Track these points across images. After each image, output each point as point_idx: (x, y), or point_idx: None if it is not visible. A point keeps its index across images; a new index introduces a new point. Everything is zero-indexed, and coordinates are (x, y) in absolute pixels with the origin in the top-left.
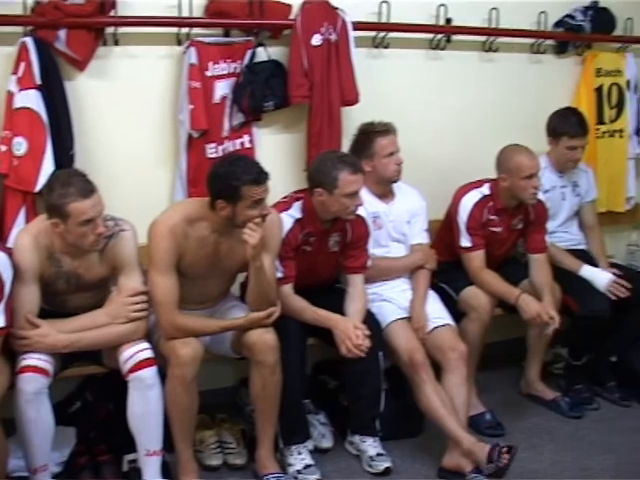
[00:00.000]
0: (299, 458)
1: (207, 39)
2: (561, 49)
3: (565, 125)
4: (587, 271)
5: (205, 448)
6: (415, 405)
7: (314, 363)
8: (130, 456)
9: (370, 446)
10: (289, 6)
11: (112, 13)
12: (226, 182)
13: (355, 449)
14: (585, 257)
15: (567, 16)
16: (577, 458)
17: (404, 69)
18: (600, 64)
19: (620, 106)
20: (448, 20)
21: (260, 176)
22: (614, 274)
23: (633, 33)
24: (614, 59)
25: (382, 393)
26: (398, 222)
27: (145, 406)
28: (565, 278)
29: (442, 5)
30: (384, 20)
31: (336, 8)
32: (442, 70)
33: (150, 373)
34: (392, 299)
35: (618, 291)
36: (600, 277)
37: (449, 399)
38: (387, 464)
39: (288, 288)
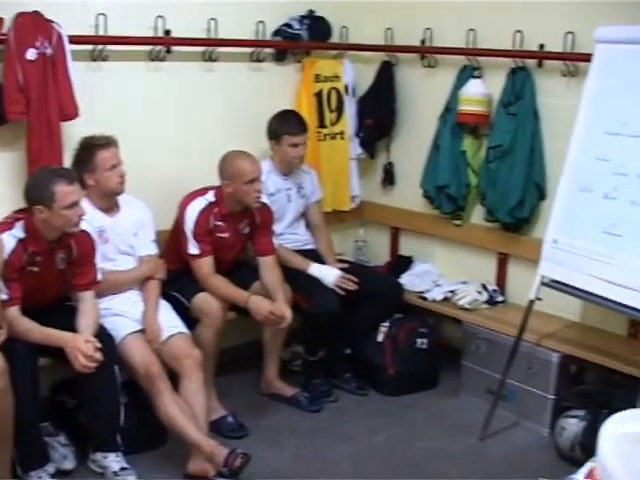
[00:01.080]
0: None
1: None
2: (280, 57)
3: (285, 125)
4: (315, 269)
5: None
6: (156, 416)
7: (52, 384)
8: None
9: (113, 461)
10: (0, 19)
11: None
12: None
13: (98, 466)
14: (314, 256)
15: (285, 25)
16: (318, 450)
17: (125, 82)
18: (319, 70)
19: (340, 110)
20: (167, 31)
21: None
22: (342, 270)
23: (348, 40)
24: (332, 65)
25: (121, 407)
26: (125, 235)
27: None
28: (294, 277)
29: (160, 16)
30: (101, 33)
31: (51, 21)
32: (163, 81)
33: None
34: (124, 312)
35: (346, 285)
36: (328, 274)
37: (188, 406)
38: (132, 477)
39: (14, 310)
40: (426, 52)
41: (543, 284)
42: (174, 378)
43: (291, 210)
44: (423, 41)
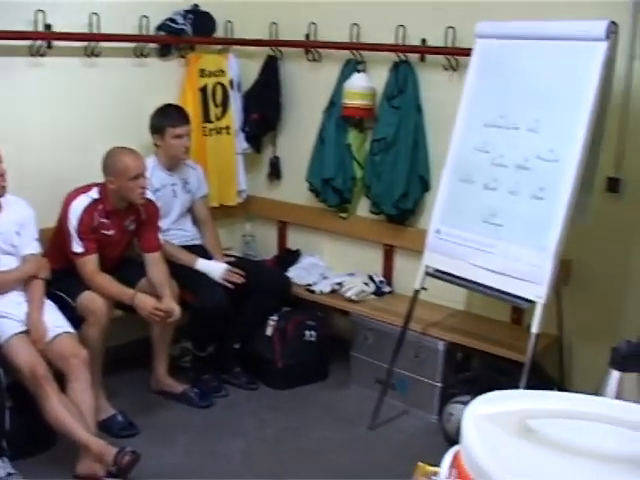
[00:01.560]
0: None
1: None
2: (164, 52)
3: (166, 118)
4: (202, 264)
5: None
6: (43, 419)
7: None
8: None
9: None
10: None
11: None
12: None
13: None
14: (200, 251)
15: (169, 20)
16: (210, 445)
17: (4, 77)
18: (203, 65)
19: (225, 104)
20: (48, 26)
21: None
22: (229, 264)
23: (234, 35)
24: (217, 60)
25: (6, 411)
26: (7, 234)
27: None
28: (181, 273)
29: (40, 10)
30: None
31: None
32: (44, 77)
33: None
34: (8, 313)
35: (233, 279)
36: (215, 268)
37: (75, 407)
38: None
39: None
40: (310, 46)
41: (427, 274)
42: (61, 378)
43: (177, 205)
44: (307, 35)
